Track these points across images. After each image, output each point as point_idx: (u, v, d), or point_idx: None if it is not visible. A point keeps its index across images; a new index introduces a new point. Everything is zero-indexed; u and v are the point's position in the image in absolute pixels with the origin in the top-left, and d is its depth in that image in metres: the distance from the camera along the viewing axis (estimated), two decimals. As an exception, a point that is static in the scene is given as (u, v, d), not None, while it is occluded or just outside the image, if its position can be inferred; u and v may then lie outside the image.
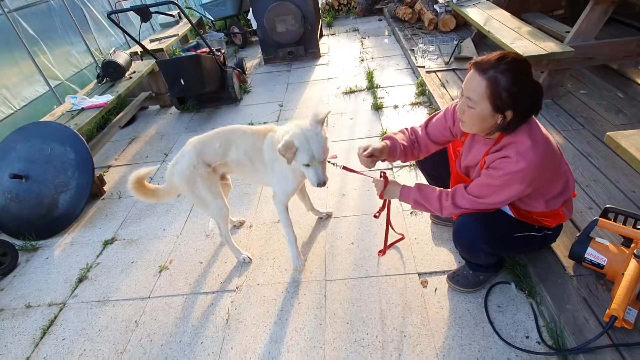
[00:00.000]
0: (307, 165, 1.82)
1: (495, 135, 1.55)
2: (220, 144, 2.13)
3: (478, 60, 1.43)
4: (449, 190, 1.71)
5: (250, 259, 2.41)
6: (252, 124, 4.18)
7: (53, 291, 2.46)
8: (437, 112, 1.93)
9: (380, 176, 1.89)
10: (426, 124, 1.93)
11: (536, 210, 1.66)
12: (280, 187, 2.14)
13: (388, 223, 2.16)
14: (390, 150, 1.86)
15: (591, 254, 1.76)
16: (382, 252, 2.26)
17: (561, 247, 1.95)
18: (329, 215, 2.65)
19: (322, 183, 1.85)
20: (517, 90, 1.36)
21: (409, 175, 2.93)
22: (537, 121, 1.53)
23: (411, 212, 2.56)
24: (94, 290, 2.41)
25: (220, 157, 2.14)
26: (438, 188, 1.74)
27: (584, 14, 3.21)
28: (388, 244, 2.26)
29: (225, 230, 2.32)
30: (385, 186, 1.85)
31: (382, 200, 2.03)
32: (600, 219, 1.78)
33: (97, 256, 2.69)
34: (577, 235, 1.86)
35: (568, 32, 3.43)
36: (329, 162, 1.95)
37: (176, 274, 2.42)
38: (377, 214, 2.02)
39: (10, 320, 2.31)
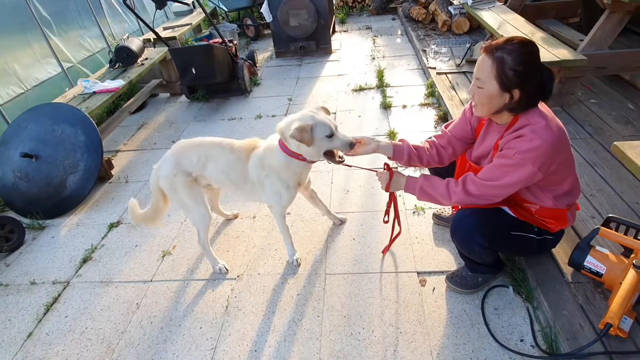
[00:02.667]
0: (329, 136, 1.81)
1: (507, 120, 1.59)
2: (199, 158, 2.08)
3: (487, 44, 1.49)
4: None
5: (227, 270, 2.33)
6: (260, 116, 4.21)
7: (58, 270, 2.51)
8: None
9: (384, 169, 1.89)
10: (446, 125, 1.98)
11: (544, 204, 1.67)
12: (274, 201, 2.11)
13: (396, 217, 2.16)
14: (396, 149, 1.88)
15: (590, 262, 1.77)
16: (386, 248, 2.29)
17: (561, 253, 1.96)
18: (342, 222, 2.57)
19: (353, 142, 1.83)
20: (522, 69, 1.42)
21: (408, 172, 2.93)
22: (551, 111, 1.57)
23: (413, 212, 2.58)
24: (97, 271, 2.46)
25: (199, 170, 2.10)
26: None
27: (599, 22, 3.19)
28: (389, 242, 2.29)
29: (204, 238, 2.26)
30: (391, 178, 1.84)
31: (388, 196, 2.06)
32: (602, 227, 1.79)
33: (102, 238, 2.74)
34: (578, 242, 1.86)
35: (582, 40, 3.42)
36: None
37: (178, 260, 2.46)
38: (386, 218, 2.07)
39: (14, 295, 2.36)
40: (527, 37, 1.50)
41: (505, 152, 1.53)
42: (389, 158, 1.91)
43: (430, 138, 1.99)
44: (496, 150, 1.62)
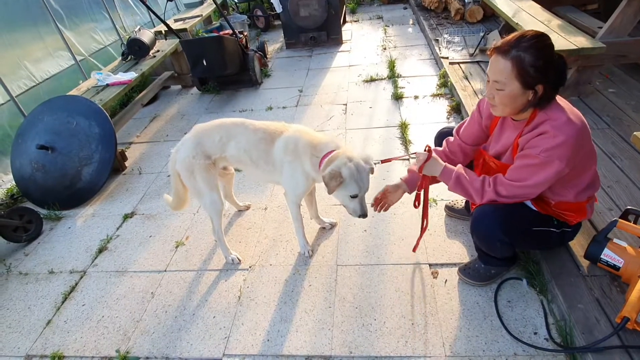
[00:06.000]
0: (352, 196, 1.85)
1: (525, 116, 1.57)
2: (221, 137, 2.08)
3: (498, 44, 1.46)
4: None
5: (240, 260, 2.35)
6: (271, 108, 4.20)
7: (74, 259, 2.56)
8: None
9: (425, 150, 1.80)
10: (457, 130, 1.96)
11: (566, 200, 1.64)
12: (290, 188, 2.11)
13: (425, 208, 2.05)
14: (409, 182, 1.95)
15: (607, 254, 1.74)
16: (416, 246, 2.22)
17: (577, 246, 1.93)
18: (332, 226, 2.51)
19: (364, 215, 1.89)
20: (542, 63, 1.40)
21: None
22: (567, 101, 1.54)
23: (426, 204, 2.56)
24: (113, 261, 2.50)
25: (219, 151, 2.10)
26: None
27: (619, 9, 3.09)
28: (418, 238, 2.22)
29: (218, 227, 2.27)
30: (428, 159, 1.76)
31: (419, 180, 1.94)
32: (620, 220, 1.75)
33: (117, 228, 2.78)
34: (595, 235, 1.83)
35: (600, 27, 3.32)
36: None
37: (192, 250, 2.49)
38: (417, 203, 2.02)
39: (34, 284, 2.42)
40: (537, 30, 1.46)
41: (529, 151, 1.50)
42: (409, 193, 1.92)
43: (444, 147, 1.98)
44: (516, 148, 1.59)
